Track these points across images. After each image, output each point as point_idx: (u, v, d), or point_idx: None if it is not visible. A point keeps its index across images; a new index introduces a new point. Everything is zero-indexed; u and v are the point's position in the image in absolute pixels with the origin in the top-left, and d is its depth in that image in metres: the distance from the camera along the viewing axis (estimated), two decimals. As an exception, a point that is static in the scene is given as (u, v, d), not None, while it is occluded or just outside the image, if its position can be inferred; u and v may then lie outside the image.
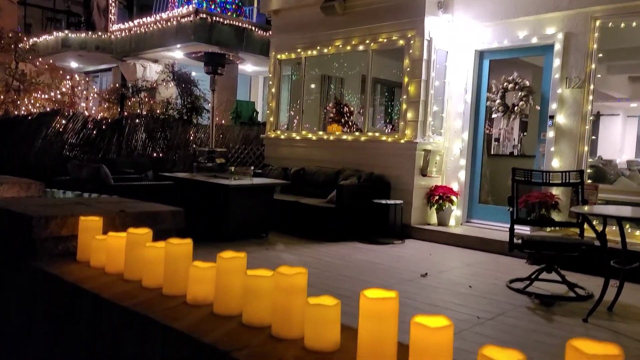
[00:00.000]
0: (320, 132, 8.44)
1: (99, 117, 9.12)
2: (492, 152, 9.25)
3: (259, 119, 11.40)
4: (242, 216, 6.48)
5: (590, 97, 6.35)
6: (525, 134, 10.55)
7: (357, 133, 8.05)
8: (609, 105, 8.70)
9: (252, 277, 1.54)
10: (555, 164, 6.44)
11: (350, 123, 8.92)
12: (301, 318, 1.46)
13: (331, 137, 8.18)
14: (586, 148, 6.41)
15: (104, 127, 8.74)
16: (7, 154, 7.76)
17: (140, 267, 1.88)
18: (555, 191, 6.29)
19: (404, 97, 7.29)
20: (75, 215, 2.22)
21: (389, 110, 11.34)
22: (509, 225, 4.88)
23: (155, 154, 9.04)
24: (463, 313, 4.03)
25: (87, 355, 1.78)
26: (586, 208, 4.41)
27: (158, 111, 9.87)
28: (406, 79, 7.25)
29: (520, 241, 4.82)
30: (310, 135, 8.49)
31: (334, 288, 4.51)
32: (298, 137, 8.61)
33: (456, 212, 7.27)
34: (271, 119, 9.08)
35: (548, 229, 6.21)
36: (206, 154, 7.90)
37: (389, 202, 6.87)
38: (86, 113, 9.45)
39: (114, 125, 8.76)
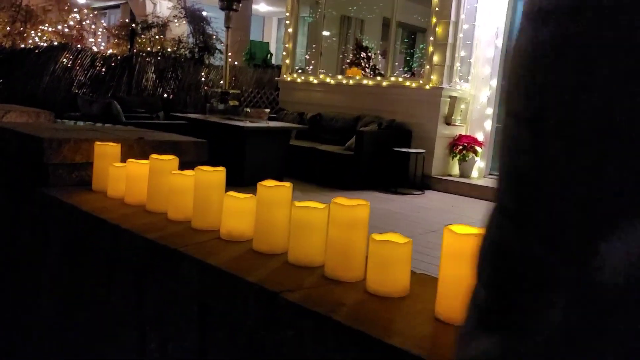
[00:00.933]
0: (339, 76, 8.07)
1: (107, 54, 8.77)
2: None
3: (273, 61, 10.98)
4: (258, 161, 6.24)
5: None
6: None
7: (378, 78, 7.68)
8: None
9: (302, 208, 1.30)
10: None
11: (370, 67, 8.53)
12: (362, 258, 1.23)
13: (350, 82, 7.82)
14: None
15: (113, 64, 8.40)
16: (14, 89, 7.49)
17: (165, 198, 1.65)
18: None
19: (431, 39, 6.87)
20: (90, 140, 1.98)
21: (408, 58, 10.88)
22: None
23: (165, 95, 8.73)
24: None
25: (106, 292, 1.58)
26: None
27: (169, 49, 9.48)
28: (434, 20, 6.81)
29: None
30: (328, 80, 8.13)
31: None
32: (315, 81, 8.26)
33: (479, 164, 6.99)
34: (287, 61, 8.69)
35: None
36: (219, 95, 7.59)
37: (410, 150, 6.60)
38: (95, 49, 9.08)
39: (123, 62, 8.42)
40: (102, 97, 8.10)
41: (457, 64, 6.89)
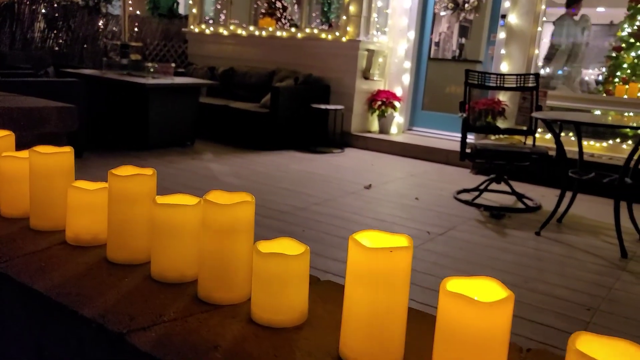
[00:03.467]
0: (251, 28, 7.53)
1: (-16, 1, 7.61)
2: (430, 56, 8.78)
3: (180, 11, 10.13)
4: (164, 121, 5.70)
5: (545, -4, 5.91)
6: (465, 39, 10.11)
7: (293, 29, 7.23)
8: (554, 13, 8.39)
9: (164, 207, 0.96)
10: (504, 68, 6.06)
11: (284, 19, 8.03)
12: (247, 272, 0.92)
13: (264, 34, 7.32)
14: (537, 51, 6.06)
15: (-9, 13, 7.32)
16: None
17: (-7, 188, 1.24)
18: (502, 97, 5.97)
19: (347, -12, 6.50)
20: None
21: (325, 9, 10.43)
22: (451, 134, 4.51)
23: (57, 48, 7.79)
24: (412, 228, 3.68)
25: None
26: (550, 114, 4.08)
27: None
28: (350, -33, 6.42)
29: (469, 150, 4.49)
30: (239, 31, 7.57)
31: (272, 203, 4.01)
32: (226, 33, 7.66)
33: (398, 119, 6.85)
34: (194, 10, 7.99)
35: (492, 137, 5.95)
36: (119, 48, 6.84)
37: (328, 107, 6.30)
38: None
39: (4, 10, 7.35)
40: (-22, 51, 7.08)
41: (374, 15, 6.59)
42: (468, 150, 4.48)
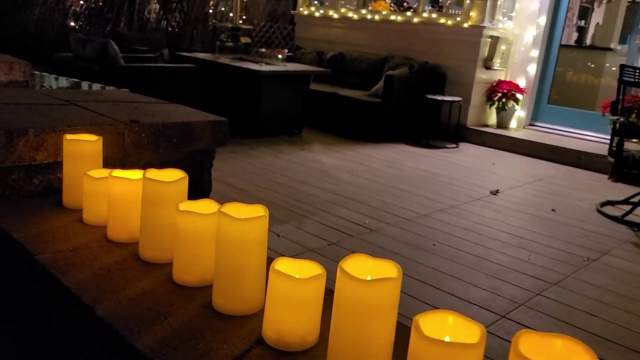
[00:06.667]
0: (363, 11, 7.19)
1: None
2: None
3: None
4: (274, 109, 5.57)
5: None
6: (585, 22, 9.19)
7: (408, 13, 6.80)
8: None
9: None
10: (655, 61, 5.31)
11: (398, 2, 7.59)
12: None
13: (376, 17, 6.96)
14: (698, 43, 5.24)
15: (111, -7, 7.52)
16: (3, 21, 6.71)
17: (169, 241, 1.04)
18: (650, 95, 5.24)
19: (473, -32, 5.96)
20: (58, 129, 1.35)
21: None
22: (581, 132, 3.93)
23: (170, 29, 7.91)
24: (557, 249, 3.25)
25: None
26: None
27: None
28: (478, -54, 5.87)
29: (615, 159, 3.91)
30: (350, 14, 7.26)
31: (393, 208, 3.73)
32: (336, 16, 7.38)
33: (519, 113, 6.28)
34: (304, -9, 7.77)
35: (635, 140, 5.25)
36: (229, 31, 6.79)
37: (445, 98, 5.87)
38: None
39: (122, -8, 7.53)
40: (99, 33, 7.32)
41: (501, -1, 6.02)
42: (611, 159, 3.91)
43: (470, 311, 2.41)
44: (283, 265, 0.78)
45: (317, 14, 7.62)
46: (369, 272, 0.73)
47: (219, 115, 1.74)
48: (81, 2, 7.37)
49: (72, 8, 7.34)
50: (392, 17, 6.80)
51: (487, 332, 2.36)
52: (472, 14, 5.99)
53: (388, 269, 0.73)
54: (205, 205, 0.96)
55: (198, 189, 1.73)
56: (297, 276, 0.76)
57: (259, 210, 0.85)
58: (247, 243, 0.83)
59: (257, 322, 0.83)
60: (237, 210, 0.86)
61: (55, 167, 1.38)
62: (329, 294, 0.78)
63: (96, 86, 3.16)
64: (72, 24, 7.35)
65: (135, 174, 1.13)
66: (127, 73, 4.80)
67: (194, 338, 0.76)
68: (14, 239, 1.08)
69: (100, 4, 7.49)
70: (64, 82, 3.17)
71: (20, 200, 1.31)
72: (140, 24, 7.72)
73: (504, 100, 6.11)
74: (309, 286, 0.75)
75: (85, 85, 3.18)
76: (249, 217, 0.83)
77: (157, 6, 7.92)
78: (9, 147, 1.29)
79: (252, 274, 0.84)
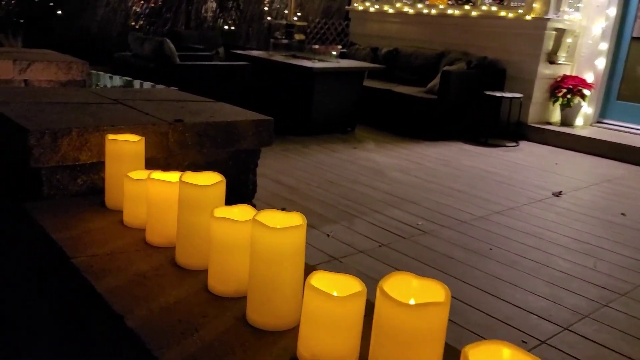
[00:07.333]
0: (419, 5, 7.01)
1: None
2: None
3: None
4: (327, 106, 5.51)
5: None
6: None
7: (466, 7, 6.57)
8: None
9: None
10: None
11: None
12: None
13: (432, 11, 6.76)
14: None
15: (170, -7, 7.71)
16: (69, 22, 7.01)
17: (204, 246, 1.00)
18: None
19: (537, -42, 5.67)
20: (102, 128, 1.34)
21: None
22: None
23: (226, 27, 8.01)
24: (628, 257, 3.02)
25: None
26: None
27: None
28: None
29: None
30: (406, 9, 7.09)
31: (447, 209, 3.59)
32: (391, 11, 7.24)
33: (586, 110, 5.93)
34: (359, -13, 7.67)
35: None
36: (283, 28, 6.80)
37: (504, 94, 5.62)
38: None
39: (181, -9, 7.70)
40: (158, 31, 7.52)
41: (569, -11, 5.70)
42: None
43: (529, 321, 2.26)
44: (319, 279, 0.71)
45: (372, 10, 7.51)
46: (413, 294, 0.66)
47: (271, 114, 1.69)
48: (142, 2, 7.59)
49: (133, 8, 7.57)
50: (450, 11, 6.59)
51: (546, 344, 2.19)
52: (536, 5, 5.70)
53: (435, 291, 0.65)
54: (242, 211, 0.91)
55: (243, 189, 1.70)
56: (334, 293, 0.69)
57: (296, 219, 0.79)
58: (281, 254, 0.77)
59: (292, 340, 0.77)
60: (273, 218, 0.81)
61: (99, 167, 1.37)
62: (371, 309, 0.71)
63: (147, 84, 3.22)
64: (133, 23, 7.59)
65: (174, 176, 1.10)
66: (182, 71, 4.88)
67: (224, 354, 0.71)
68: (53, 240, 1.07)
69: (160, 3, 7.69)
70: (117, 80, 3.25)
71: (63, 200, 1.31)
72: (197, 23, 7.87)
73: (569, 96, 5.79)
74: (347, 305, 0.68)
75: (137, 83, 3.24)
76: (285, 226, 0.77)
77: (214, 5, 8.04)
78: (53, 147, 1.29)
79: (287, 287, 0.79)
